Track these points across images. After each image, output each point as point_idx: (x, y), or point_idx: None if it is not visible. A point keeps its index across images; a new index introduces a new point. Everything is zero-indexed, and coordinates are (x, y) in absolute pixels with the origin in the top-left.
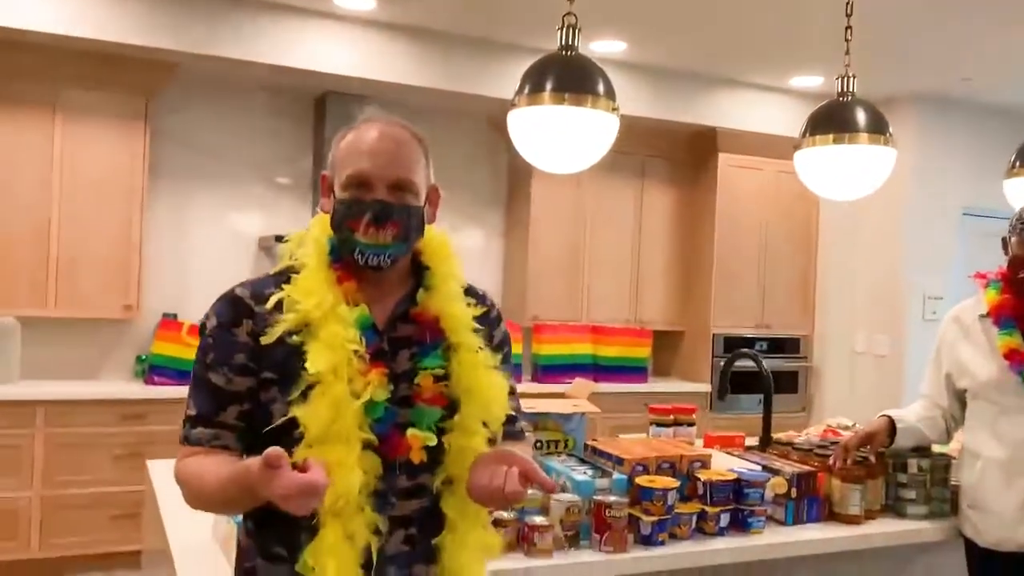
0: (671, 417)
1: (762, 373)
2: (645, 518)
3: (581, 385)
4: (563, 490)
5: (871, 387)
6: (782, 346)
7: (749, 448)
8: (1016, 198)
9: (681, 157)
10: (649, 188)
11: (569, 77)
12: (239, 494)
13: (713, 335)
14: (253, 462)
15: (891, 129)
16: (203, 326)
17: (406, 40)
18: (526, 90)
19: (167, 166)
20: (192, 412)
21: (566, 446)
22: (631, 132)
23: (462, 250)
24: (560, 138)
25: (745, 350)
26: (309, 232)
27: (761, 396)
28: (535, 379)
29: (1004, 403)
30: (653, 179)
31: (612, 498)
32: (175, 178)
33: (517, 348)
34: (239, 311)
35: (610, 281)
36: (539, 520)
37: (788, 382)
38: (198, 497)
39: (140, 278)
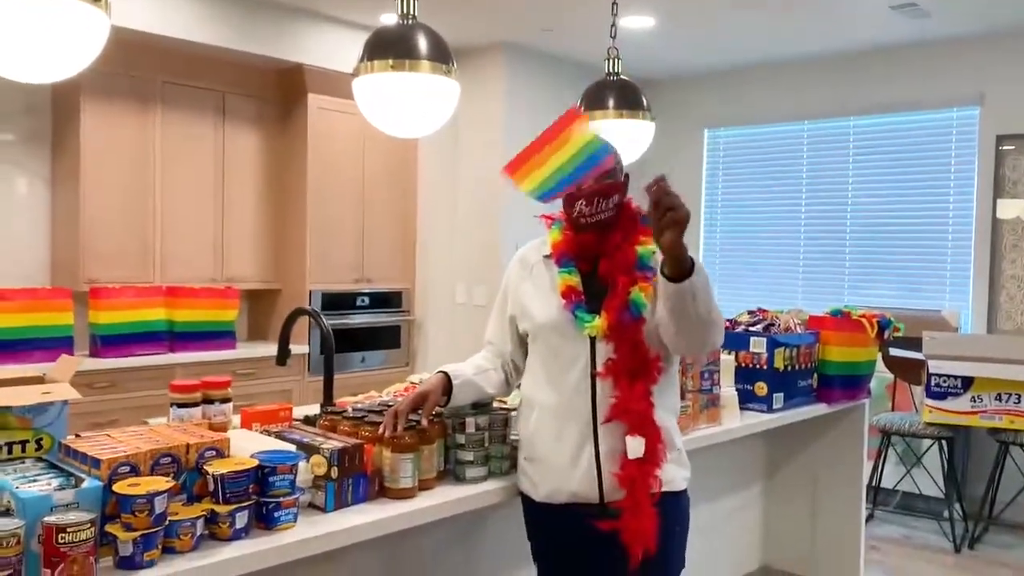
0: (199, 394)
1: (323, 332)
2: (124, 536)
3: (65, 364)
4: (7, 513)
5: (472, 338)
6: (385, 300)
7: (304, 420)
8: None
9: (268, 96)
10: (232, 129)
11: None
12: None
13: (311, 292)
14: None
15: (456, 67)
16: None
17: None
18: None
19: None
20: None
21: (39, 447)
22: (206, 63)
23: None
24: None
25: (303, 307)
26: None
27: (363, 354)
28: (95, 354)
29: (559, 345)
30: (237, 119)
31: (71, 516)
32: None
33: (67, 319)
34: None
35: (188, 235)
36: None
37: (391, 337)
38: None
39: None
